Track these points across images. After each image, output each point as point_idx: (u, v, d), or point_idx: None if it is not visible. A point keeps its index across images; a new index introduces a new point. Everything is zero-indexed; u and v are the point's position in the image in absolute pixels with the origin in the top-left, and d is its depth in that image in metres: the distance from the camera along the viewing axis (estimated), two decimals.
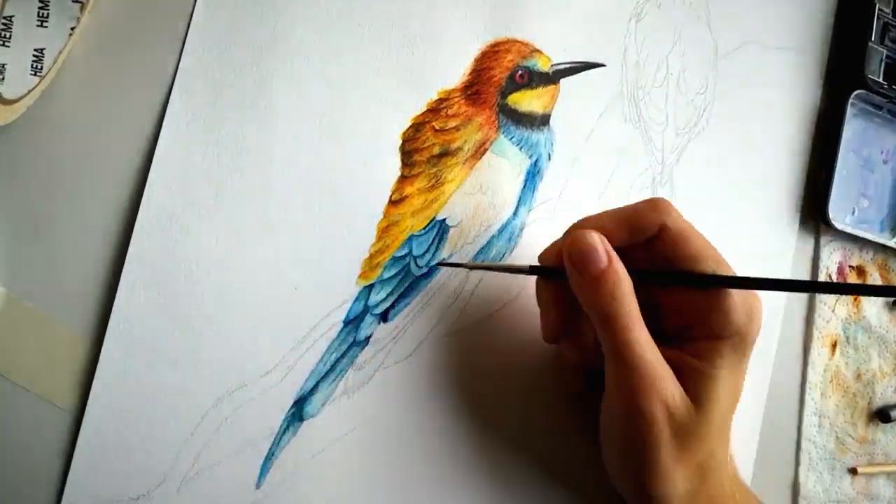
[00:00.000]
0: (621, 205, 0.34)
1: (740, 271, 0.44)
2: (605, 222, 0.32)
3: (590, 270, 0.30)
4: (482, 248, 0.36)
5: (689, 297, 0.31)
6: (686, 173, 0.42)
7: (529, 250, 0.37)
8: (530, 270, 0.33)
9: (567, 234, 0.32)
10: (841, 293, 0.36)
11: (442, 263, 0.35)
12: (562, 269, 0.31)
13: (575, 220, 0.33)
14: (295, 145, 0.32)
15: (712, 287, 0.31)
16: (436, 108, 0.35)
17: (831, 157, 0.46)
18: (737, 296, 0.31)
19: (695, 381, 0.31)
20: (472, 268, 0.35)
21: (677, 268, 0.31)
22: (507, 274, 0.36)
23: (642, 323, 0.30)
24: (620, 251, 0.31)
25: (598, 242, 0.30)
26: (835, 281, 0.48)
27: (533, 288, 0.36)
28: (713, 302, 0.31)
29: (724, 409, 0.31)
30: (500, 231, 0.37)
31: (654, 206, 0.31)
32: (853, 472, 0.47)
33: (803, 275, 0.47)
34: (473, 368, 0.36)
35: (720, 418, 0.31)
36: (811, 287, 0.41)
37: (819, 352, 0.47)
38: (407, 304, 0.35)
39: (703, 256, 0.31)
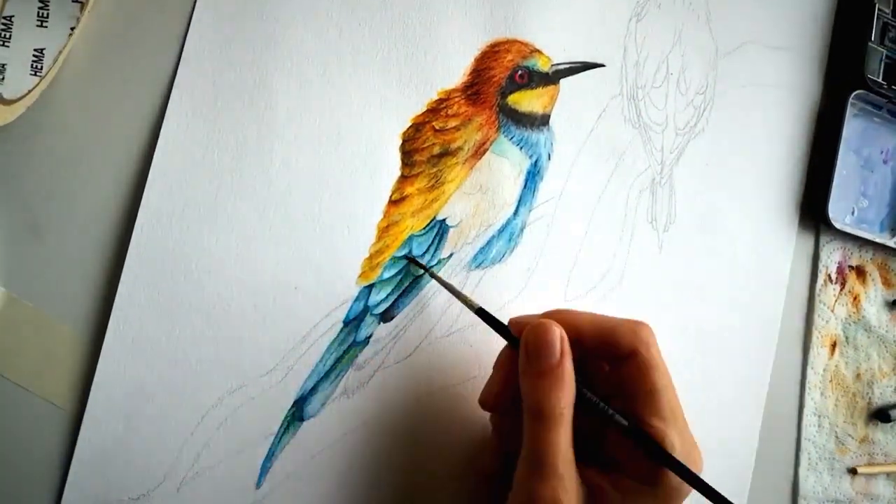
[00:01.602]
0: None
1: (740, 272, 0.44)
2: (584, 324, 0.31)
3: (539, 361, 0.29)
4: (482, 248, 0.36)
5: (625, 440, 0.30)
6: (686, 173, 0.42)
7: (529, 250, 0.37)
8: (478, 311, 0.33)
9: (542, 315, 0.32)
10: None
11: (410, 259, 0.34)
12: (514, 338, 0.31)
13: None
14: (295, 145, 0.32)
15: (652, 459, 0.29)
16: (436, 108, 0.35)
17: (831, 157, 0.46)
18: (679, 447, 0.29)
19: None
20: (432, 276, 0.34)
21: (636, 397, 0.30)
22: (505, 274, 0.36)
23: (569, 432, 0.29)
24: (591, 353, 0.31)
25: (557, 338, 0.30)
26: (834, 279, 0.48)
27: (535, 287, 0.37)
28: (650, 454, 0.29)
29: None
30: (501, 231, 0.37)
31: (634, 330, 0.31)
32: (853, 472, 0.48)
33: (804, 274, 0.47)
34: (473, 369, 0.36)
35: None
36: None
37: (818, 352, 0.47)
38: (407, 304, 0.35)
39: (659, 402, 0.30)
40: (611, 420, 0.30)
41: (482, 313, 0.33)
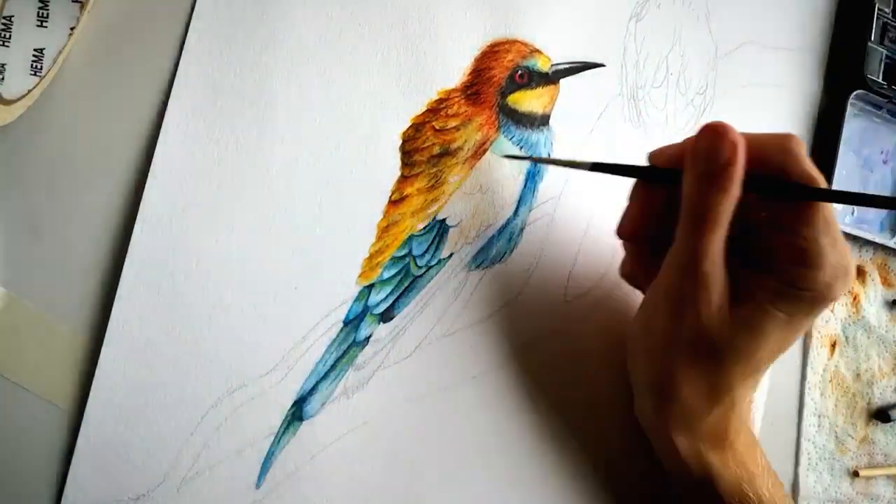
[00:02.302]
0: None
1: None
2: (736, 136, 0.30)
3: (711, 162, 0.28)
4: (482, 247, 0.36)
5: (784, 244, 0.30)
6: None
7: (530, 250, 0.37)
8: (592, 167, 0.32)
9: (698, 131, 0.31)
10: None
11: (510, 156, 0.35)
12: (671, 173, 0.30)
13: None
14: (295, 145, 0.32)
15: (811, 199, 0.29)
16: (436, 108, 0.35)
17: (831, 157, 0.46)
18: (829, 257, 0.29)
19: (750, 311, 0.30)
20: (537, 160, 0.35)
21: (789, 209, 0.30)
22: (506, 274, 0.36)
23: (724, 238, 0.29)
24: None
25: (737, 137, 0.28)
26: None
27: (535, 287, 0.37)
28: (803, 255, 0.29)
29: (763, 350, 0.30)
30: (501, 231, 0.37)
31: (782, 144, 0.30)
32: (855, 474, 0.48)
33: None
34: (473, 369, 0.36)
35: (754, 354, 0.30)
36: None
37: (818, 352, 0.47)
38: (407, 304, 0.35)
39: (813, 215, 0.29)
40: (757, 183, 0.29)
41: (599, 167, 0.32)
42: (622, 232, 0.34)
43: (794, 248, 0.30)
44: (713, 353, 0.30)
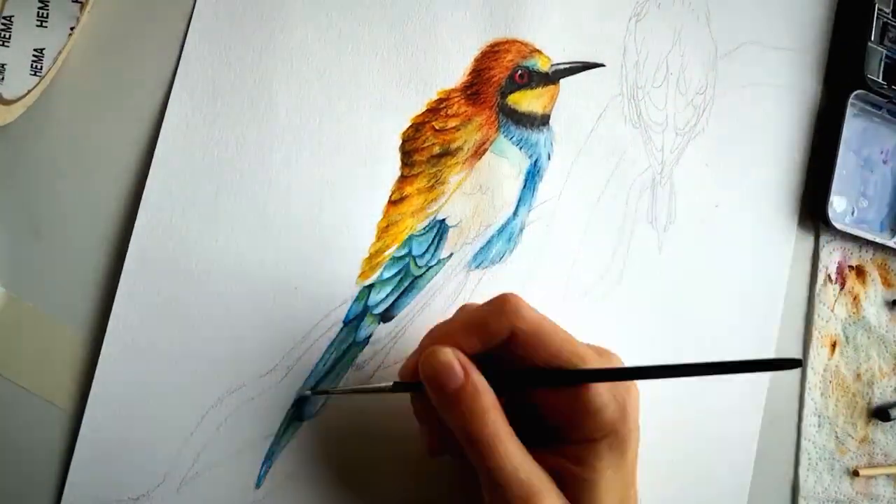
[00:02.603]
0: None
1: (740, 272, 0.44)
2: (456, 331, 0.29)
3: (446, 389, 0.27)
4: (482, 248, 0.36)
5: (558, 398, 0.29)
6: (686, 173, 0.42)
7: (529, 250, 0.37)
8: (393, 388, 0.30)
9: (420, 347, 0.31)
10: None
11: (314, 392, 0.33)
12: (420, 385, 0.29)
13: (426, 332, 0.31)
14: (294, 145, 0.32)
15: (574, 384, 0.28)
16: (436, 108, 0.35)
17: (831, 158, 0.46)
18: (605, 393, 0.28)
19: (576, 488, 0.29)
20: (337, 393, 0.33)
21: (543, 361, 0.29)
22: (505, 274, 0.36)
23: (511, 437, 0.28)
24: (481, 355, 0.29)
25: (452, 358, 0.28)
26: (834, 279, 0.48)
27: (535, 287, 0.37)
28: (581, 402, 0.28)
29: None
30: (500, 231, 0.37)
31: (500, 308, 0.29)
32: (855, 474, 0.47)
33: (803, 274, 0.47)
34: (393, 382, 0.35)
35: None
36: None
37: (818, 352, 0.47)
38: (407, 304, 0.35)
39: (563, 355, 0.28)
40: (536, 378, 0.29)
41: (398, 386, 0.31)
42: (428, 452, 0.32)
43: (568, 404, 0.28)
44: None
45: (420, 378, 0.29)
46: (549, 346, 0.28)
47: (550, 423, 0.30)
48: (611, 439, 0.29)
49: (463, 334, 0.29)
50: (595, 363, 0.29)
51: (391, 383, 0.31)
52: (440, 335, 0.30)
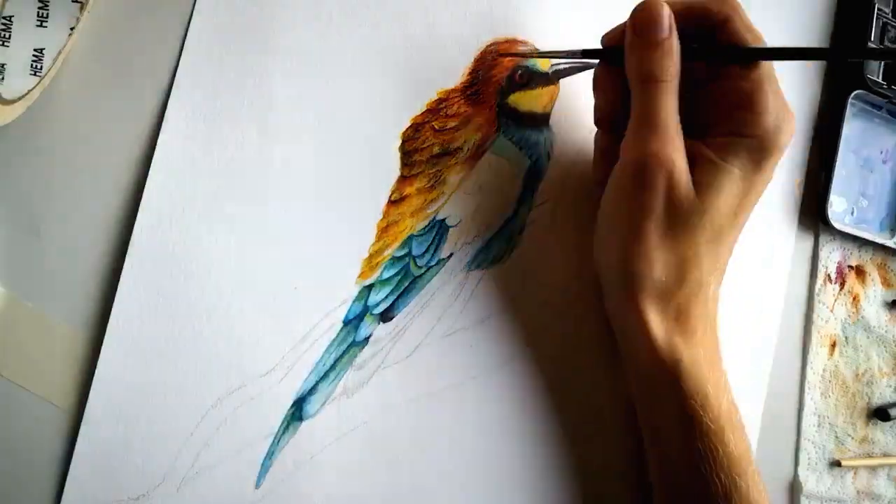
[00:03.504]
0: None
1: (739, 271, 0.44)
2: (675, 2, 0.32)
3: (650, 36, 0.31)
4: (482, 248, 0.36)
5: (725, 92, 0.32)
6: None
7: (529, 250, 0.37)
8: (583, 54, 0.34)
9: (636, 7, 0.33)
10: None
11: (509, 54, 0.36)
12: (619, 50, 0.32)
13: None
14: (294, 145, 0.32)
15: (756, 59, 0.31)
16: (435, 108, 0.35)
17: (831, 157, 0.46)
18: (772, 101, 0.31)
19: (702, 169, 0.31)
20: (540, 55, 0.37)
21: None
22: (508, 271, 0.36)
23: (677, 99, 0.31)
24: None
25: (665, 12, 0.31)
26: (833, 279, 0.48)
27: (535, 287, 0.36)
28: (746, 98, 0.31)
29: (721, 208, 0.32)
30: (500, 231, 0.37)
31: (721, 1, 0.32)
32: (837, 464, 0.47)
33: (802, 275, 0.47)
34: (473, 369, 0.36)
35: (715, 215, 0.31)
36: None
37: (818, 351, 0.47)
38: (406, 304, 0.35)
39: (758, 64, 0.31)
40: (722, 54, 0.32)
41: (588, 52, 0.34)
42: (598, 121, 0.35)
43: (738, 93, 0.31)
44: (682, 217, 0.31)
45: (627, 27, 0.32)
46: (752, 43, 0.31)
47: (705, 118, 0.32)
48: (755, 142, 0.31)
49: (681, 6, 0.32)
50: (776, 84, 0.32)
51: (581, 50, 0.35)
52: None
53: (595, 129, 0.36)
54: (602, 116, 0.35)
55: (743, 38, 0.31)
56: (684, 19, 0.32)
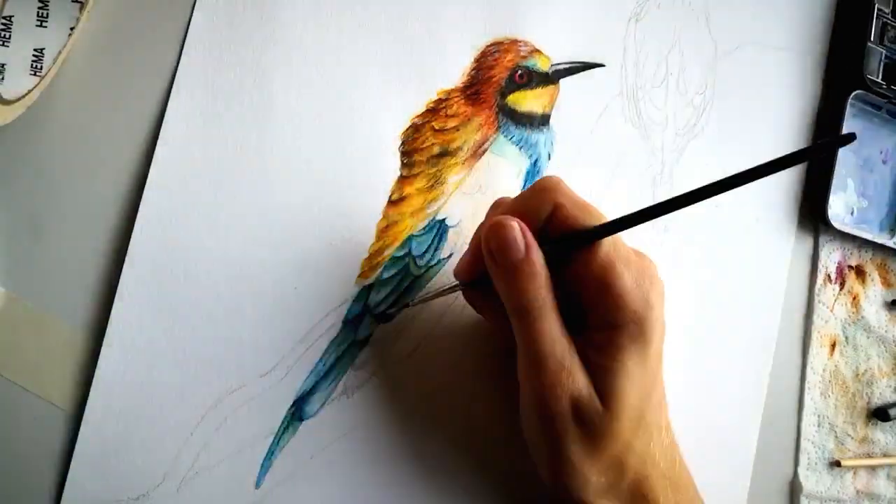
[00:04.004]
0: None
1: (739, 270, 0.44)
2: (505, 210, 0.31)
3: (508, 261, 0.29)
4: None
5: (587, 281, 0.30)
6: (686, 173, 0.42)
7: None
8: (457, 286, 0.32)
9: (473, 242, 0.32)
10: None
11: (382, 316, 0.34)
12: (481, 276, 0.31)
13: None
14: (294, 145, 0.32)
15: (602, 237, 0.29)
16: (435, 108, 0.35)
17: (830, 157, 0.46)
18: (629, 279, 0.29)
19: (599, 376, 0.30)
20: (413, 304, 0.34)
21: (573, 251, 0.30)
22: None
23: (555, 316, 0.29)
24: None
25: (517, 230, 0.29)
26: (833, 279, 0.48)
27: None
28: (602, 284, 0.29)
29: (633, 404, 0.30)
30: None
31: (542, 187, 0.30)
32: (837, 464, 0.47)
33: (803, 274, 0.47)
34: (473, 368, 0.36)
35: (630, 412, 0.30)
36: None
37: (818, 352, 0.47)
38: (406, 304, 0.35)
39: (597, 244, 0.29)
40: (570, 239, 0.29)
41: (462, 284, 0.32)
42: (457, 273, 0.33)
43: (594, 282, 0.29)
44: (599, 430, 0.29)
45: (484, 255, 0.30)
46: (589, 220, 0.29)
47: (581, 309, 0.30)
48: (632, 328, 0.29)
49: (510, 211, 0.30)
50: (625, 253, 0.30)
51: (456, 283, 0.32)
52: (499, 205, 0.31)
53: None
54: (463, 269, 0.33)
55: (577, 220, 0.29)
56: (519, 217, 0.30)
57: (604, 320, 0.30)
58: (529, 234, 0.29)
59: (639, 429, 0.31)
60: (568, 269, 0.30)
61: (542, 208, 0.30)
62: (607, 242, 0.29)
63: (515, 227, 0.29)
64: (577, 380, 0.29)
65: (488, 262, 0.30)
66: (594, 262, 0.29)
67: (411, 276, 0.35)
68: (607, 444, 0.30)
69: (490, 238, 0.29)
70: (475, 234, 0.32)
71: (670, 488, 0.32)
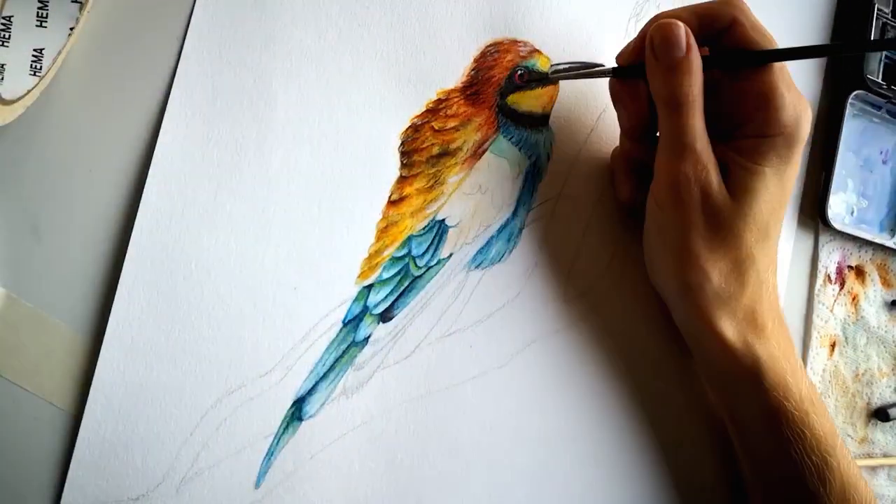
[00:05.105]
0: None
1: None
2: (681, 13, 0.33)
3: (669, 57, 0.31)
4: (482, 248, 0.36)
5: (743, 94, 0.32)
6: None
7: (529, 250, 0.37)
8: (614, 72, 0.35)
9: (649, 23, 0.33)
10: None
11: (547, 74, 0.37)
12: (638, 66, 0.33)
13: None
14: (294, 145, 0.32)
15: (769, 62, 0.32)
16: (435, 109, 0.35)
17: (830, 158, 0.46)
18: (787, 96, 0.32)
19: (736, 176, 0.32)
20: (555, 77, 0.37)
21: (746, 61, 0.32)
22: (505, 274, 0.36)
23: (701, 114, 0.32)
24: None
25: (682, 31, 0.31)
26: (833, 279, 0.48)
27: (534, 287, 0.36)
28: (763, 99, 0.32)
29: (763, 208, 0.33)
30: (500, 231, 0.37)
31: (726, 1, 0.32)
32: None
33: (802, 275, 0.47)
34: (473, 369, 0.36)
35: (758, 215, 0.33)
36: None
37: (818, 352, 0.47)
38: (406, 304, 0.35)
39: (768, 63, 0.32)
40: (737, 58, 0.32)
41: (617, 70, 0.35)
42: (629, 134, 0.36)
43: (755, 96, 0.32)
44: (725, 225, 0.32)
45: (638, 57, 0.33)
46: (760, 45, 0.32)
47: (729, 120, 0.33)
48: (780, 139, 0.32)
49: (688, 15, 0.33)
50: (788, 79, 0.33)
51: (610, 68, 0.35)
52: (666, 15, 0.33)
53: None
54: (628, 128, 0.36)
55: (751, 40, 0.32)
56: (692, 25, 0.32)
57: (757, 130, 0.32)
58: (692, 38, 0.31)
59: (762, 237, 0.33)
60: (734, 83, 0.33)
61: (720, 19, 0.32)
62: (777, 66, 0.32)
63: (681, 26, 0.31)
64: (711, 174, 0.32)
65: (648, 56, 0.32)
66: (762, 80, 0.32)
67: (411, 276, 0.35)
68: (731, 241, 0.33)
69: (655, 34, 0.32)
70: (646, 24, 0.34)
71: (777, 320, 0.35)
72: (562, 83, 0.38)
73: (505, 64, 0.36)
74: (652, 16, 0.34)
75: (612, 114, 0.40)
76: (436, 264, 0.35)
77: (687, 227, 0.33)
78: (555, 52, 0.38)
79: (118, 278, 0.29)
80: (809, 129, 0.33)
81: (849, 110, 0.46)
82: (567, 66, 0.38)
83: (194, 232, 0.31)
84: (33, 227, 0.29)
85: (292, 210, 0.32)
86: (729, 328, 0.34)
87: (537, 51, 0.37)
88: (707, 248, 0.33)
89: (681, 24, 0.31)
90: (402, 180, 0.34)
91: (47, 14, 0.28)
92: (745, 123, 0.33)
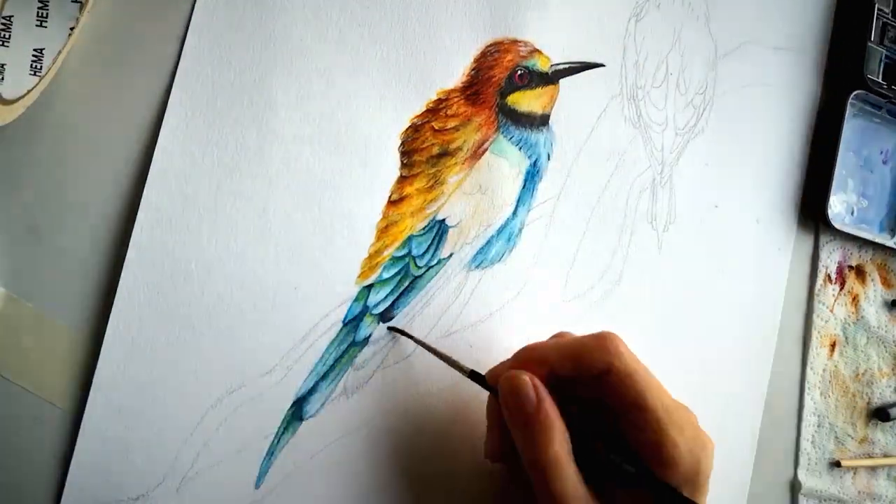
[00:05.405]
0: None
1: (740, 272, 0.44)
2: (551, 354, 0.31)
3: (520, 411, 0.29)
4: (482, 248, 0.36)
5: (639, 443, 0.29)
6: (686, 173, 0.42)
7: (529, 250, 0.37)
8: (470, 375, 0.32)
9: (513, 358, 0.32)
10: None
11: (393, 329, 0.34)
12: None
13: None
14: (294, 145, 0.32)
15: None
16: (435, 109, 0.35)
17: (831, 158, 0.46)
18: (682, 446, 0.29)
19: None
20: (418, 343, 0.34)
21: (625, 409, 0.29)
22: (505, 274, 0.36)
23: (569, 470, 0.28)
24: (567, 380, 0.30)
25: (530, 387, 0.29)
26: (833, 279, 0.48)
27: (534, 287, 0.36)
28: (657, 452, 0.29)
29: None
30: (500, 231, 0.37)
31: (601, 344, 0.30)
32: (837, 465, 0.47)
33: (803, 274, 0.47)
34: (473, 368, 0.36)
35: None
36: None
37: (818, 352, 0.47)
38: (406, 304, 0.35)
39: (650, 406, 0.29)
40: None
41: (474, 376, 0.32)
42: (490, 456, 0.33)
43: (648, 450, 0.29)
44: None
45: (501, 399, 0.30)
46: (640, 392, 0.29)
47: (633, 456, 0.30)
48: (685, 489, 0.29)
49: (558, 358, 0.30)
50: (678, 419, 0.29)
51: (469, 369, 0.32)
52: (536, 352, 0.31)
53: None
54: (491, 452, 0.33)
55: (628, 388, 0.29)
56: (565, 367, 0.30)
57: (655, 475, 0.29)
58: (542, 388, 0.29)
59: None
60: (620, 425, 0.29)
61: (595, 365, 0.29)
62: (660, 409, 0.29)
63: (526, 379, 0.29)
64: None
65: (504, 414, 0.30)
66: (648, 429, 0.29)
67: (411, 276, 0.35)
68: None
69: (504, 387, 0.30)
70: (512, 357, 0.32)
71: None
72: (562, 83, 0.38)
73: (505, 64, 0.36)
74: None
75: (612, 114, 0.40)
76: (436, 264, 0.35)
77: None
78: (555, 52, 0.38)
79: (118, 278, 0.29)
80: (712, 463, 0.30)
81: (849, 110, 0.46)
82: (567, 66, 0.38)
83: (194, 232, 0.31)
84: (33, 227, 0.29)
85: (292, 210, 0.32)
86: None
87: (537, 51, 0.37)
88: None
89: (527, 376, 0.29)
90: (403, 180, 0.34)
91: (47, 14, 0.28)
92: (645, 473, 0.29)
